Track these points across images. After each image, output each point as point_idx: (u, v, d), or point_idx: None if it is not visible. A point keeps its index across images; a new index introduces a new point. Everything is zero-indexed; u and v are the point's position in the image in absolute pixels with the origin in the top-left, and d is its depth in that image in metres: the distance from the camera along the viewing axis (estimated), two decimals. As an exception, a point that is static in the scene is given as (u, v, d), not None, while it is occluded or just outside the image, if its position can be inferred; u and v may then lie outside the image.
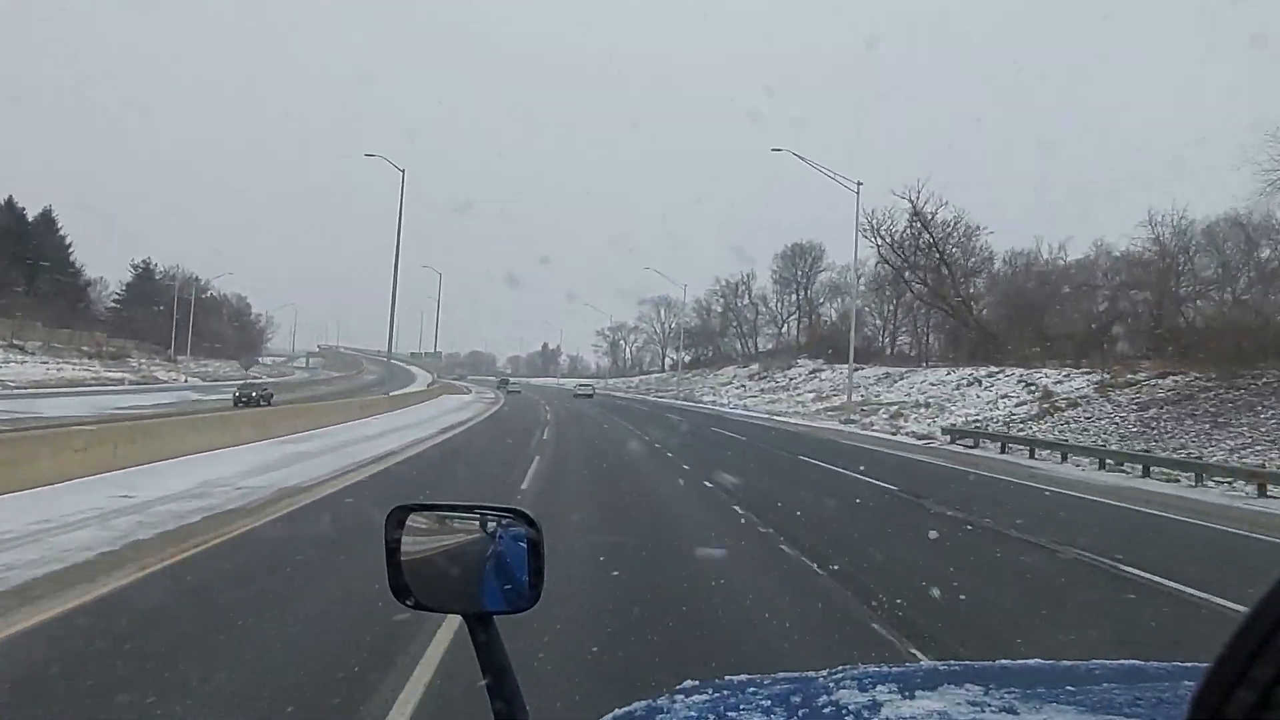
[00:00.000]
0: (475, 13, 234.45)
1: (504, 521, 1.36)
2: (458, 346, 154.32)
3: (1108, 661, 1.49)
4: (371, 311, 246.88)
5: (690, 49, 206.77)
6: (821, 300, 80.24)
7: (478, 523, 1.38)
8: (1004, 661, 1.53)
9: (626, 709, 1.29)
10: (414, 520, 1.35)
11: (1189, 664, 1.42)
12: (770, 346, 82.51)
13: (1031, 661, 1.51)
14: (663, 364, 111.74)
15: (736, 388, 66.52)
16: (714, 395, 64.73)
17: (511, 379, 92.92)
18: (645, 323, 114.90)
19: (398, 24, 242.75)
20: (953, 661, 1.51)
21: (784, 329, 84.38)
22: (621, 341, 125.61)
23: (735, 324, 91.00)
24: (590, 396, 72.17)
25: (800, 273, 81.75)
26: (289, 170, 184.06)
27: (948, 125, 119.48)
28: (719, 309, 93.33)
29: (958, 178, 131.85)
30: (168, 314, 73.46)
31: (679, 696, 1.31)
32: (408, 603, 1.31)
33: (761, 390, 61.02)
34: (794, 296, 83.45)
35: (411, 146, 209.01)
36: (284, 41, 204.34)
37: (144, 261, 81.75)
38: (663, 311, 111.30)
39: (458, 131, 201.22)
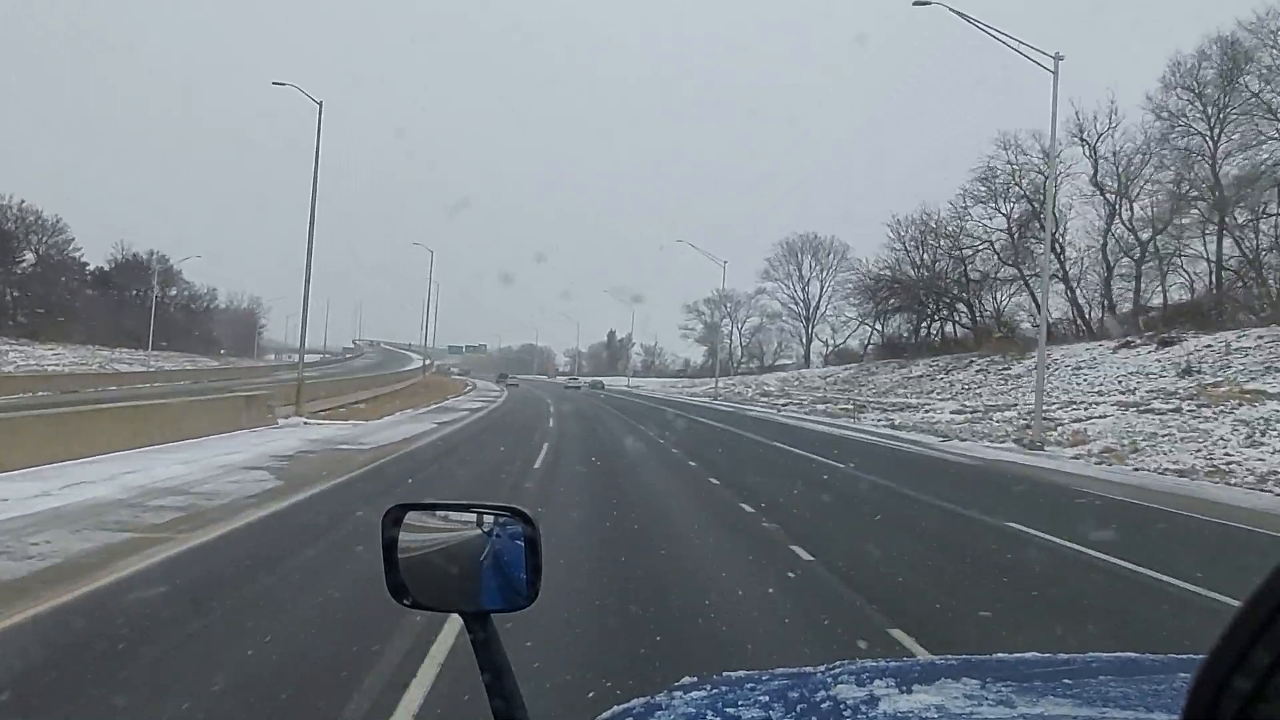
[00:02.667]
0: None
1: (501, 520, 1.37)
2: (510, 340, 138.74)
3: (1103, 654, 1.50)
4: (413, 306, 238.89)
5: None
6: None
7: (475, 521, 1.39)
8: (1000, 655, 1.53)
9: (625, 705, 1.30)
10: (411, 518, 1.35)
11: (1185, 656, 1.42)
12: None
13: (1028, 655, 1.52)
14: (806, 352, 68.78)
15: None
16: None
17: (510, 375, 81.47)
18: (778, 279, 67.69)
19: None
20: (949, 656, 1.51)
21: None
22: (726, 320, 77.01)
23: (1055, 250, 35.80)
24: (579, 389, 56.93)
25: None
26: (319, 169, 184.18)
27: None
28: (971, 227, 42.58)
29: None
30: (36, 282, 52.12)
31: (678, 693, 1.31)
32: (405, 602, 1.31)
33: None
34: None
35: (453, 136, 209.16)
36: (282, 38, 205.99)
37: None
38: (807, 263, 65.78)
39: (479, 121, 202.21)
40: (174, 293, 78.65)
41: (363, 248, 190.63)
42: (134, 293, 71.52)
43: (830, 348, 67.22)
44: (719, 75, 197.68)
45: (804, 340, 69.97)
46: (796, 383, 54.73)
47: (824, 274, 66.75)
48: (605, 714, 1.29)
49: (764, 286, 70.47)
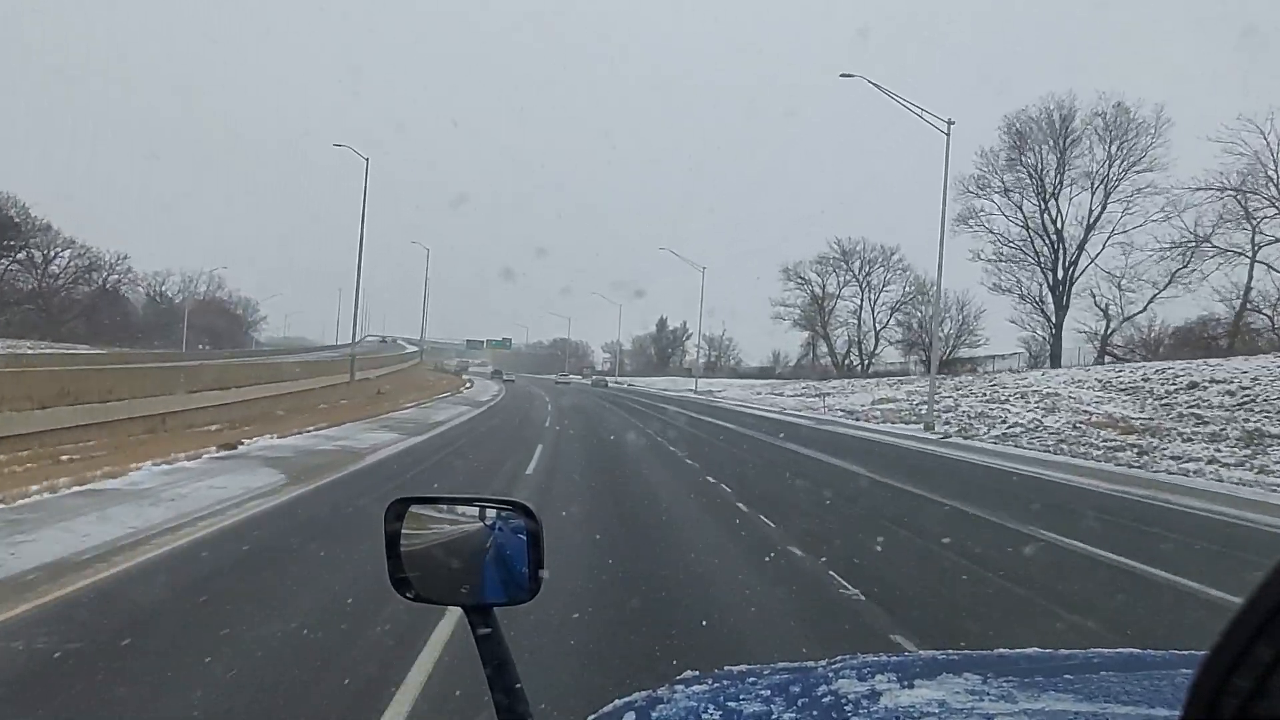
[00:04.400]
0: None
1: (503, 513, 1.37)
2: (541, 335, 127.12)
3: (1105, 650, 1.50)
4: (439, 302, 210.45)
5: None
6: None
7: (477, 514, 1.39)
8: (1002, 650, 1.52)
9: (626, 699, 1.30)
10: (414, 512, 1.36)
11: (1186, 652, 1.42)
12: None
13: (1030, 650, 1.51)
14: (1054, 336, 37.04)
15: None
16: None
17: (506, 372, 76.67)
18: (994, 192, 37.37)
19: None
20: (951, 651, 1.51)
21: None
22: (845, 288, 53.31)
23: None
24: (569, 384, 45.56)
25: None
26: (307, 168, 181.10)
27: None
28: None
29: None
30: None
31: (679, 687, 1.32)
32: (408, 595, 1.32)
33: None
34: None
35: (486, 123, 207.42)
36: (282, 38, 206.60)
37: None
38: (1051, 156, 34.46)
39: (480, 119, 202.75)
40: (69, 258, 59.14)
41: (367, 247, 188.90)
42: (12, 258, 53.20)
43: (1113, 325, 34.70)
44: (719, 75, 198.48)
45: (1054, 310, 36.32)
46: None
47: (1106, 174, 33.66)
48: (606, 708, 1.29)
49: (978, 206, 36.42)
